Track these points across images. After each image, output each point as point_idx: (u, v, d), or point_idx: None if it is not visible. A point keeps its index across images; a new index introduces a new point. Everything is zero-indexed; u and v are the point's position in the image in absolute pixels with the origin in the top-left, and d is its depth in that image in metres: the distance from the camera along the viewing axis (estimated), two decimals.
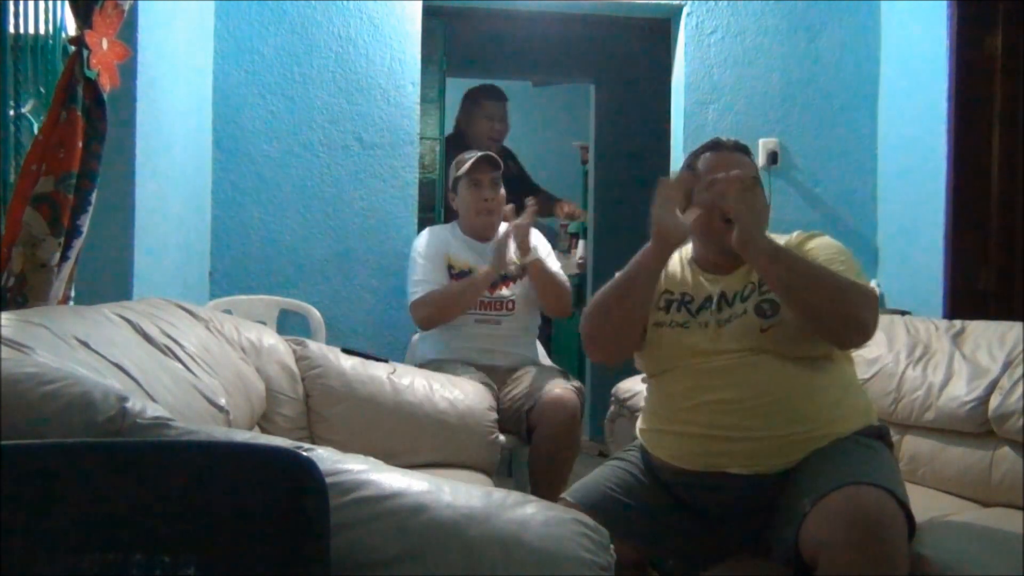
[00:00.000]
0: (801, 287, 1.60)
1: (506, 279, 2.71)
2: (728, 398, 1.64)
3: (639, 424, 1.86)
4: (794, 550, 1.48)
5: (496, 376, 2.58)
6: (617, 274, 1.76)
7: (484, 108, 3.68)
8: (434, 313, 2.64)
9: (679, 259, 1.86)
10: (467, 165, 2.72)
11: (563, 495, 1.78)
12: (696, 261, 1.83)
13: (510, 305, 2.69)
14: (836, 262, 1.70)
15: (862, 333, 1.64)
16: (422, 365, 2.63)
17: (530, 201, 2.71)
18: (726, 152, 1.81)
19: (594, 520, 1.26)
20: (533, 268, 2.66)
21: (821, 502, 1.45)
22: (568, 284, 2.75)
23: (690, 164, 1.85)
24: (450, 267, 2.71)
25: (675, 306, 1.77)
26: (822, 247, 1.76)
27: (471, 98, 3.75)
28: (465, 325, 2.65)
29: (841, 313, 1.60)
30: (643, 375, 1.95)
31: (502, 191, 2.76)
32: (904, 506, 1.47)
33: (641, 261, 1.71)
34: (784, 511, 1.55)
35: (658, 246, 1.69)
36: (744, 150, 1.84)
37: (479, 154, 2.73)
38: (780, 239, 1.80)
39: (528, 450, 2.49)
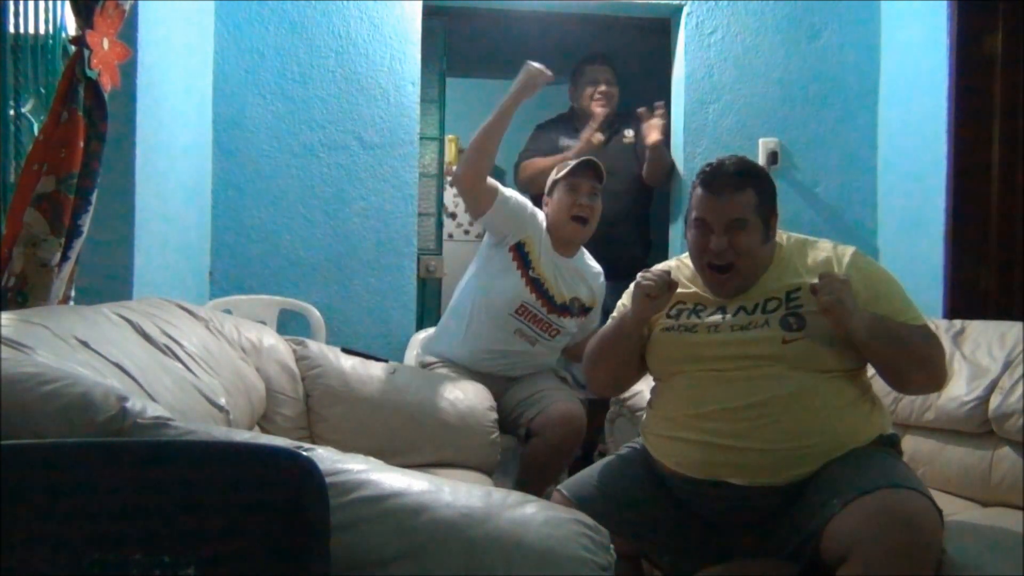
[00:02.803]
0: (892, 355, 1.65)
1: (568, 311, 2.60)
2: (736, 407, 1.62)
3: (643, 424, 1.86)
4: (814, 545, 1.48)
5: (498, 381, 2.57)
6: (604, 327, 1.92)
7: (586, 74, 3.49)
8: (471, 154, 2.52)
9: (693, 273, 1.84)
10: (568, 168, 2.59)
11: (558, 487, 1.78)
12: (703, 280, 1.83)
13: (555, 332, 2.59)
14: (895, 298, 1.71)
15: (938, 387, 1.78)
16: (430, 360, 2.64)
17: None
18: (715, 190, 1.72)
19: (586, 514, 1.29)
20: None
21: (858, 500, 1.44)
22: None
23: (692, 188, 1.81)
24: (529, 261, 2.55)
25: (685, 313, 1.78)
26: (877, 280, 1.73)
27: (575, 69, 3.55)
28: (503, 330, 2.55)
29: (926, 374, 1.69)
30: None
31: (599, 203, 2.59)
32: (939, 512, 1.48)
33: (625, 322, 1.81)
34: (803, 513, 1.54)
35: (640, 317, 1.79)
36: (740, 185, 1.71)
37: (583, 159, 2.61)
38: (816, 245, 1.80)
39: (523, 449, 2.48)
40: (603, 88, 3.45)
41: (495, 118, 2.50)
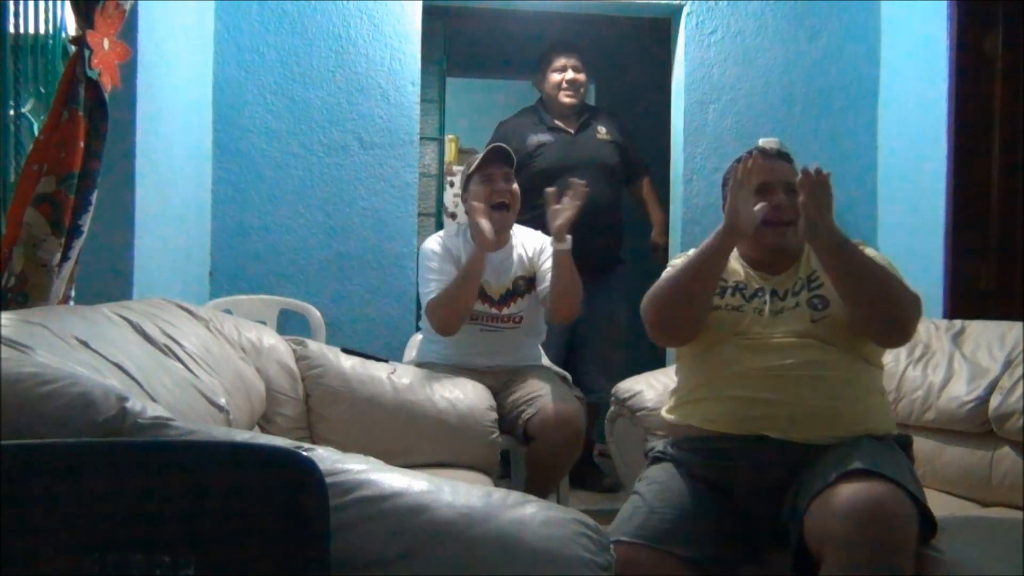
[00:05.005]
0: (856, 277, 1.72)
1: (514, 295, 2.60)
2: (773, 365, 1.72)
3: (666, 409, 1.91)
4: (799, 529, 1.51)
5: (497, 377, 2.57)
6: (680, 262, 1.89)
7: (553, 61, 3.38)
8: (449, 312, 2.48)
9: (731, 255, 1.93)
10: (477, 160, 2.60)
11: (615, 537, 1.58)
12: (746, 258, 1.93)
13: (517, 319, 2.61)
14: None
15: (903, 332, 1.77)
16: (421, 366, 2.63)
17: (578, 182, 2.56)
18: (767, 159, 1.88)
19: (661, 548, 1.49)
20: (562, 259, 2.45)
21: (834, 489, 1.48)
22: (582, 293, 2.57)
23: (733, 170, 1.90)
24: None
25: (729, 291, 1.86)
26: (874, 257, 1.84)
27: (541, 56, 3.45)
28: (468, 334, 2.57)
29: (887, 310, 1.73)
30: (674, 364, 2.01)
31: (515, 186, 2.59)
32: (921, 505, 1.49)
33: (714, 247, 1.79)
34: (803, 488, 1.58)
35: (730, 234, 1.79)
36: (786, 157, 1.94)
37: (488, 148, 2.62)
38: None
39: (525, 451, 2.48)
40: (571, 76, 3.36)
41: (468, 276, 2.47)
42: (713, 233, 1.80)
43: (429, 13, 3.34)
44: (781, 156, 1.93)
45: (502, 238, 2.59)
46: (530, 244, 2.68)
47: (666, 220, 3.55)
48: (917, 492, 1.51)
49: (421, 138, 3.37)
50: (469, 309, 2.51)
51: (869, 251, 1.89)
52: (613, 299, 3.43)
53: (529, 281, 2.63)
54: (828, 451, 1.63)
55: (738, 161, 1.92)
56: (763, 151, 1.92)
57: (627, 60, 4.37)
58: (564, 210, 2.46)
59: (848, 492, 1.46)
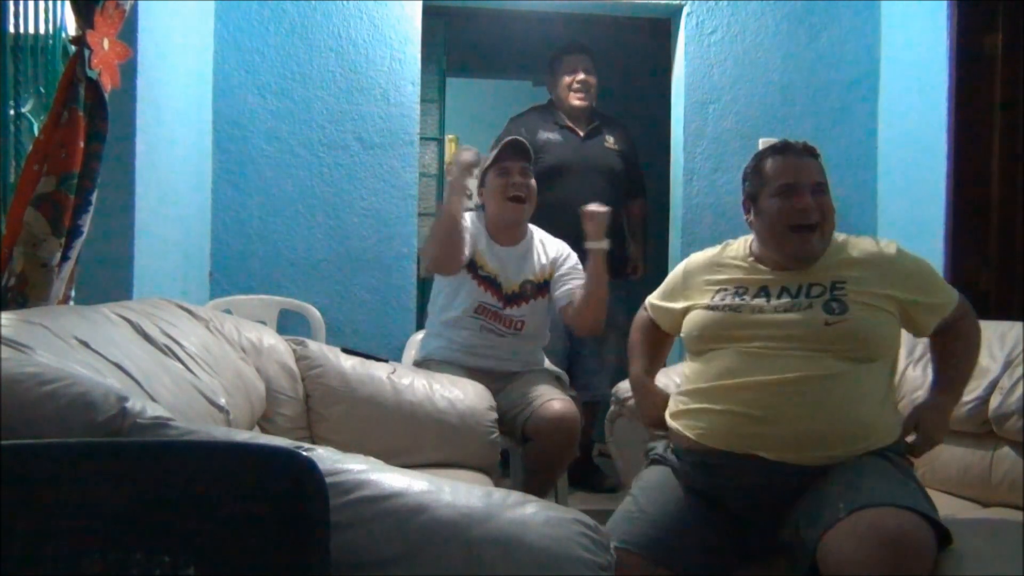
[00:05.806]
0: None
1: (521, 298, 2.60)
2: (770, 380, 1.65)
3: (669, 412, 1.86)
4: (811, 555, 1.48)
5: (495, 379, 2.57)
6: (655, 302, 2.02)
7: (564, 63, 3.40)
8: (431, 249, 2.58)
9: (739, 254, 1.88)
10: (495, 153, 2.60)
11: (616, 544, 1.54)
12: (757, 258, 1.85)
13: (519, 325, 2.60)
14: (931, 286, 1.79)
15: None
16: (418, 362, 2.63)
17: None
18: (794, 156, 1.80)
19: (644, 555, 1.51)
20: (598, 258, 2.46)
21: (853, 516, 1.44)
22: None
23: (756, 166, 1.85)
24: (477, 265, 2.59)
25: (729, 295, 1.80)
26: (915, 273, 1.79)
27: (552, 58, 3.47)
28: (469, 329, 2.59)
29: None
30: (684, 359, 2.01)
31: (532, 181, 2.60)
32: (936, 525, 1.47)
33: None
34: (811, 514, 1.54)
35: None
36: (812, 153, 1.83)
37: (508, 140, 2.61)
38: (856, 240, 1.83)
39: (522, 452, 2.49)
40: (581, 77, 3.37)
41: (446, 219, 2.51)
42: (635, 396, 1.99)
43: (429, 13, 3.34)
44: (807, 151, 1.82)
45: (517, 231, 2.62)
46: (550, 250, 2.68)
47: (643, 254, 3.57)
48: (930, 511, 1.49)
49: (421, 138, 3.37)
50: (453, 253, 2.52)
51: (908, 263, 1.80)
52: (613, 301, 3.44)
53: (537, 287, 2.62)
54: (828, 474, 1.58)
55: (759, 156, 1.85)
56: (789, 146, 1.82)
57: (627, 60, 4.37)
58: (597, 212, 2.48)
59: (865, 522, 1.43)
